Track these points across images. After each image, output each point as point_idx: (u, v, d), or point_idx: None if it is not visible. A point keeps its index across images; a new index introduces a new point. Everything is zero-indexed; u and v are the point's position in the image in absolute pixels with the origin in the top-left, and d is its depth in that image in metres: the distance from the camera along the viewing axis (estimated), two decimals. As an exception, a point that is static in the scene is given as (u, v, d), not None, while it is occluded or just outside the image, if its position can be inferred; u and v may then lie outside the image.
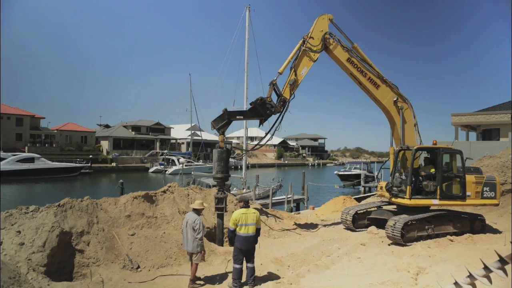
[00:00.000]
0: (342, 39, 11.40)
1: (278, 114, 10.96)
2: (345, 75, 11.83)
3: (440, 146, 10.85)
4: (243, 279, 6.77)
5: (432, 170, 10.73)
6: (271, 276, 7.28)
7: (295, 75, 10.90)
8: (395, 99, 11.54)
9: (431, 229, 10.04)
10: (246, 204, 6.91)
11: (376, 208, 12.06)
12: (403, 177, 10.88)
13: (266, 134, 11.50)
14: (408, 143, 11.26)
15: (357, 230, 11.61)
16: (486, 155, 20.17)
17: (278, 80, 10.81)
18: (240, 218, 6.63)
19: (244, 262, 6.72)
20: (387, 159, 12.29)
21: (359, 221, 11.85)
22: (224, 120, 10.44)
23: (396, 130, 11.70)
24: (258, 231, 6.84)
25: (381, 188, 11.63)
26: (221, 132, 10.48)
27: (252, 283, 6.66)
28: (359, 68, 11.41)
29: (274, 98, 10.80)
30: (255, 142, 12.21)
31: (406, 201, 10.26)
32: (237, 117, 10.86)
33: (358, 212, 11.91)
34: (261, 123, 11.03)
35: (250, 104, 10.82)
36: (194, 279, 6.95)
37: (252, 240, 6.69)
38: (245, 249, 6.62)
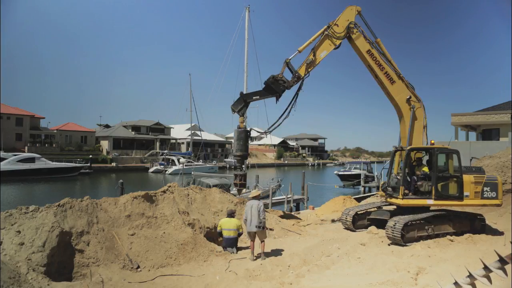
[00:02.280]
0: (366, 33, 11.72)
1: (293, 95, 11.47)
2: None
3: (435, 146, 10.82)
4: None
5: (425, 170, 10.72)
6: (271, 276, 7.28)
7: (314, 55, 11.22)
8: (408, 97, 11.57)
9: (431, 229, 10.03)
10: (230, 215, 9.41)
11: (376, 209, 12.05)
12: (399, 177, 10.88)
13: (284, 112, 11.81)
14: (415, 143, 11.27)
15: (357, 230, 11.61)
16: (486, 155, 20.16)
17: (294, 60, 11.21)
18: (224, 224, 9.27)
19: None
20: (388, 159, 12.29)
21: (359, 222, 11.85)
22: (242, 103, 11.14)
23: (404, 128, 11.73)
24: (239, 234, 9.32)
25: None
26: (241, 114, 11.20)
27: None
28: (377, 61, 11.62)
29: (288, 77, 11.17)
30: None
31: (398, 201, 10.30)
32: (254, 97, 11.42)
33: (358, 212, 11.91)
34: (277, 99, 11.37)
35: (264, 83, 11.25)
36: (259, 255, 8.57)
37: (232, 240, 9.23)
38: (228, 246, 9.21)
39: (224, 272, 7.58)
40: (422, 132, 11.65)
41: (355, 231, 11.55)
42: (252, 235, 8.70)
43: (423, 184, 10.39)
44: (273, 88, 11.00)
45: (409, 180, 10.56)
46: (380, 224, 11.03)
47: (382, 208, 11.96)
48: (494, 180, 10.74)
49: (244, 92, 12.06)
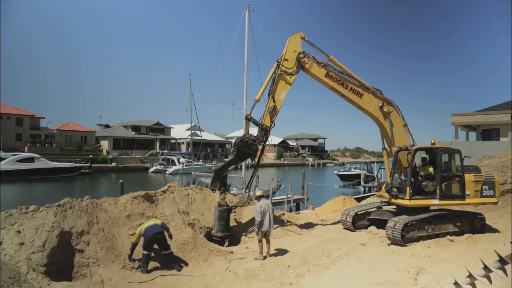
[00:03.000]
0: (317, 54, 11.27)
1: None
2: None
3: (438, 146, 10.81)
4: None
5: (430, 170, 10.72)
6: (271, 276, 7.28)
7: (274, 101, 10.69)
8: (380, 104, 11.48)
9: (431, 229, 10.02)
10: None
11: (376, 209, 12.04)
12: (402, 177, 10.86)
13: (249, 181, 11.95)
14: (400, 145, 11.25)
15: (357, 231, 11.60)
16: (486, 155, 20.17)
17: (256, 106, 10.85)
18: None
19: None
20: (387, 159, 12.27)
21: (359, 222, 11.84)
22: (219, 179, 10.54)
23: (386, 134, 11.68)
24: None
25: (380, 188, 11.62)
26: (222, 190, 10.50)
27: None
28: (339, 81, 11.29)
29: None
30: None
31: (406, 202, 10.24)
32: (229, 168, 10.84)
33: (358, 213, 11.89)
34: (253, 160, 10.97)
35: (234, 148, 10.79)
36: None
37: None
38: None
39: (224, 272, 7.58)
40: (404, 132, 11.67)
41: (355, 231, 11.54)
42: (263, 235, 8.65)
43: (428, 184, 10.37)
44: (246, 151, 10.46)
45: (412, 180, 10.53)
46: (380, 224, 11.02)
47: (382, 208, 11.95)
48: (492, 178, 10.88)
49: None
